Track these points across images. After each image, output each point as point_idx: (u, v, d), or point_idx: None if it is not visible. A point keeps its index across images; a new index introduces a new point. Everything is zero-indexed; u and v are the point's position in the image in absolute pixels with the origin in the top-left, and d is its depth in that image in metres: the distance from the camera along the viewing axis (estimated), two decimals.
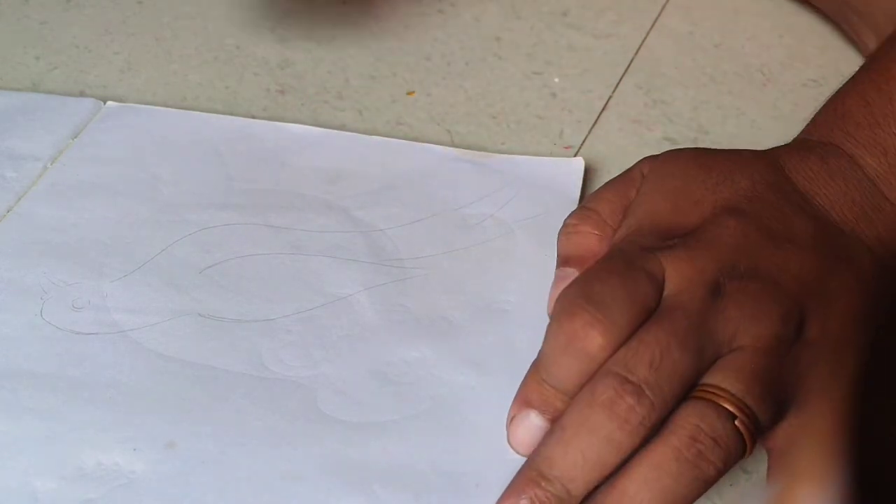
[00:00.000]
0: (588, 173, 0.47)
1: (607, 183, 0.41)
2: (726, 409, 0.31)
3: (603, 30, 0.58)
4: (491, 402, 0.37)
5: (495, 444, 0.35)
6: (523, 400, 0.34)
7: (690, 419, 0.31)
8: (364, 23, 0.59)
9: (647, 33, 0.57)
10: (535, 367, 0.34)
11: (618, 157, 0.49)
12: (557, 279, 0.38)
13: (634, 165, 0.41)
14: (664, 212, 0.37)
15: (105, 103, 0.52)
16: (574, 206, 0.45)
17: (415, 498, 0.34)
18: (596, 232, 0.38)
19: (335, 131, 0.50)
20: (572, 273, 0.37)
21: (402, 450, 0.35)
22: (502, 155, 0.48)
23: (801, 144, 0.41)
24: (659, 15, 0.59)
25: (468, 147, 0.49)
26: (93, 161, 0.48)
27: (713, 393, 0.32)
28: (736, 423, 0.31)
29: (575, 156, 0.48)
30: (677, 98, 0.53)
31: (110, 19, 0.59)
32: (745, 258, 0.35)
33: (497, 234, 0.44)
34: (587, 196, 0.41)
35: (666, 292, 0.34)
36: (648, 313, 0.33)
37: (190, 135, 0.50)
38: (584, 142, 0.50)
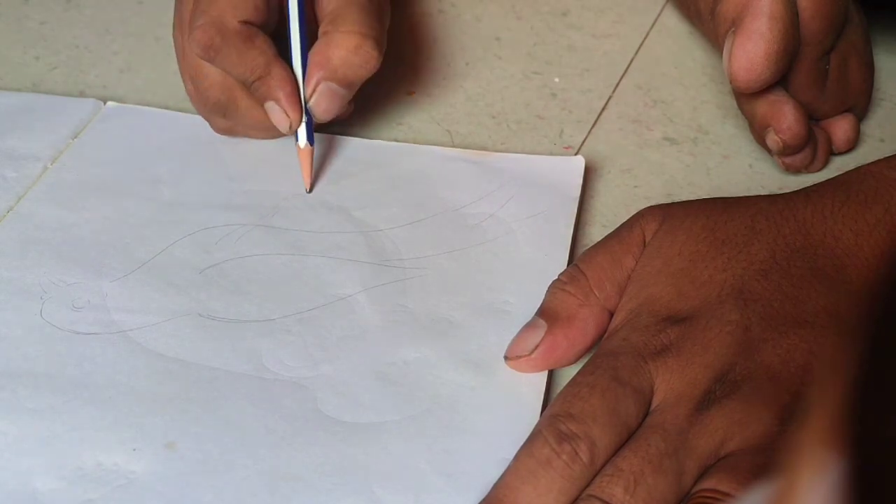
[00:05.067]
0: (588, 173, 0.47)
1: (605, 240, 0.40)
2: None
3: (603, 30, 0.58)
4: (491, 402, 0.37)
5: (495, 444, 0.35)
6: None
7: None
8: None
9: (647, 33, 0.57)
10: (505, 486, 0.33)
11: (618, 157, 0.49)
12: (527, 326, 0.38)
13: (635, 222, 0.40)
14: (667, 298, 0.36)
15: (105, 104, 0.52)
16: (574, 204, 0.45)
17: (415, 498, 0.34)
18: (579, 297, 0.38)
19: (335, 134, 0.50)
20: (543, 325, 0.38)
21: (402, 450, 0.35)
22: (502, 153, 0.48)
23: (851, 183, 0.39)
24: (659, 15, 0.59)
25: (468, 147, 0.49)
26: (93, 161, 0.48)
27: (709, 497, 0.31)
28: None
29: (575, 156, 0.48)
30: (677, 98, 0.53)
31: (110, 19, 0.59)
32: (743, 358, 0.34)
33: (497, 234, 0.44)
34: (582, 253, 0.40)
35: (653, 406, 0.34)
36: (631, 432, 0.33)
37: (190, 135, 0.50)
38: (584, 142, 0.50)
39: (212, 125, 0.49)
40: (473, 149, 0.49)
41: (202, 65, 0.46)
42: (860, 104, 0.49)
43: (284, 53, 0.46)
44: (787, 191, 0.41)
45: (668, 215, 0.39)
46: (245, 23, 0.44)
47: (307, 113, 0.46)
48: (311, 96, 0.45)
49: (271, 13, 0.46)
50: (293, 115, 0.45)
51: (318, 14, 0.47)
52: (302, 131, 0.46)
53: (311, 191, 0.47)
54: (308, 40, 0.46)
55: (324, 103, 0.45)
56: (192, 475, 0.35)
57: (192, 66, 0.46)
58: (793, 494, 0.14)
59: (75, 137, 0.50)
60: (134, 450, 0.35)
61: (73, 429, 0.36)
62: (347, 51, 0.45)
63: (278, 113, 0.45)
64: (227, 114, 0.47)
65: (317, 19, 0.47)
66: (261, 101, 0.46)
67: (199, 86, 0.46)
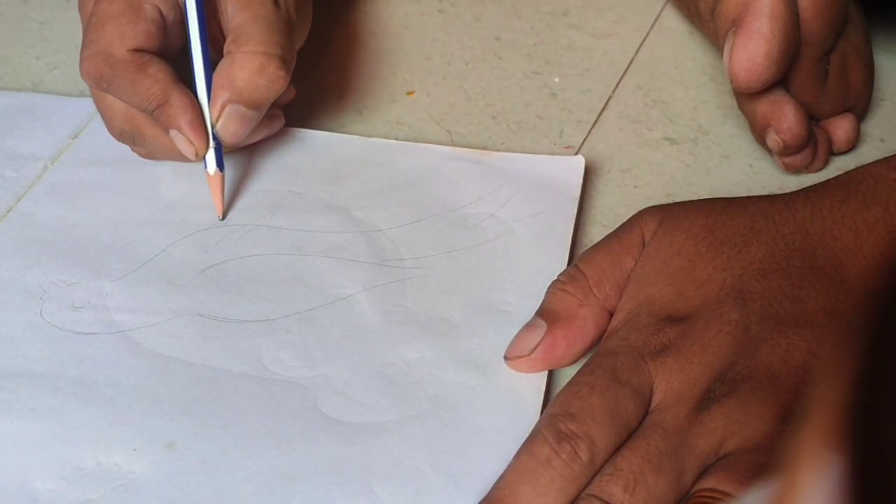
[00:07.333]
0: (588, 173, 0.47)
1: (605, 240, 0.40)
2: None
3: (603, 30, 0.58)
4: (491, 402, 0.37)
5: (495, 443, 0.35)
6: None
7: None
8: (364, 23, 0.59)
9: (647, 33, 0.57)
10: (505, 486, 0.33)
11: (618, 157, 0.49)
12: (527, 326, 0.38)
13: (634, 222, 0.40)
14: (666, 297, 0.37)
15: None
16: (574, 204, 0.45)
17: (415, 498, 0.34)
18: (578, 297, 0.38)
19: (335, 133, 0.50)
20: (542, 325, 0.38)
21: (402, 450, 0.35)
22: (502, 153, 0.48)
23: (852, 183, 0.39)
24: (659, 15, 0.59)
25: (468, 147, 0.49)
26: (93, 161, 0.48)
27: (709, 496, 0.31)
28: None
29: (575, 155, 0.48)
30: (677, 98, 0.53)
31: None
32: (743, 357, 0.34)
33: (497, 234, 0.44)
34: (582, 253, 0.40)
35: (652, 405, 0.34)
36: (630, 432, 0.33)
37: None
38: (584, 142, 0.50)
39: (133, 151, 0.47)
40: (473, 148, 0.49)
41: (103, 95, 0.44)
42: (860, 104, 0.49)
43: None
44: (787, 191, 0.41)
45: (668, 215, 0.39)
46: (137, 50, 0.43)
47: (215, 137, 0.44)
48: (217, 120, 0.44)
49: (170, 36, 0.44)
50: (198, 142, 0.44)
51: (223, 29, 0.45)
52: (210, 157, 0.44)
53: (223, 218, 0.45)
54: (216, 58, 0.44)
55: (232, 127, 0.44)
56: (192, 475, 0.35)
57: (94, 96, 0.45)
58: (793, 494, 0.14)
59: (75, 137, 0.50)
60: (134, 450, 0.35)
61: (73, 429, 0.36)
62: (251, 72, 0.43)
63: (183, 141, 0.44)
64: (136, 142, 0.46)
65: (223, 34, 0.45)
66: (164, 130, 0.44)
67: (103, 116, 0.45)
